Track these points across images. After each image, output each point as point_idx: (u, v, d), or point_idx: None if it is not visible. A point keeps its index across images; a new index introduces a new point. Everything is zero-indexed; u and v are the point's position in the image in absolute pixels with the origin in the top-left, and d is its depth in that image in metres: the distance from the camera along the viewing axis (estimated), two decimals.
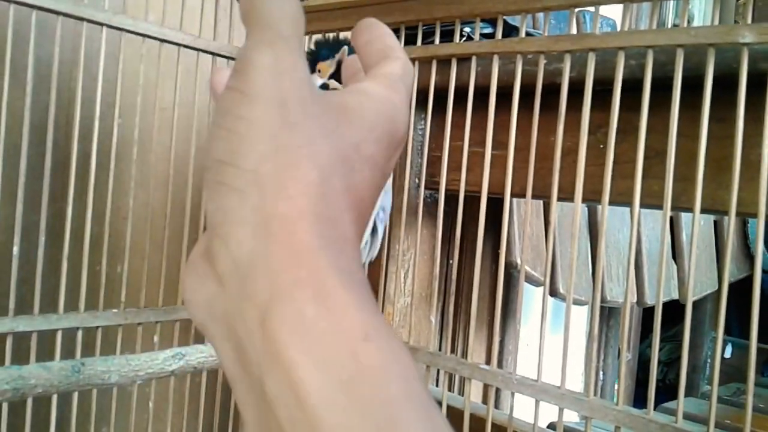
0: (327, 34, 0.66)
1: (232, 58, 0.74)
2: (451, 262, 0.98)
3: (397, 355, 0.22)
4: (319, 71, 0.61)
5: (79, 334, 0.64)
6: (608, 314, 1.57)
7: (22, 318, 0.60)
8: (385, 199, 0.65)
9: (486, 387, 0.63)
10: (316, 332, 0.21)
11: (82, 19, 0.62)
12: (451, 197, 0.65)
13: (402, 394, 0.21)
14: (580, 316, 1.47)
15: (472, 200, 0.64)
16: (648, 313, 1.65)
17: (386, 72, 0.31)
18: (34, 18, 0.60)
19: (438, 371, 0.68)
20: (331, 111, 0.26)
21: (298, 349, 0.21)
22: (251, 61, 0.25)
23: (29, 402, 0.62)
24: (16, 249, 0.60)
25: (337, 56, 0.62)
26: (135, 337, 0.68)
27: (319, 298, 0.22)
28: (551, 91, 0.57)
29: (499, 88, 0.60)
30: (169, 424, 0.74)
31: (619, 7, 0.55)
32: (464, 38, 0.65)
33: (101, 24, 0.63)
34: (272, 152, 0.24)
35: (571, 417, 0.58)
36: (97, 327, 0.65)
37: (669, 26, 1.41)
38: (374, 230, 0.65)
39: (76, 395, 0.65)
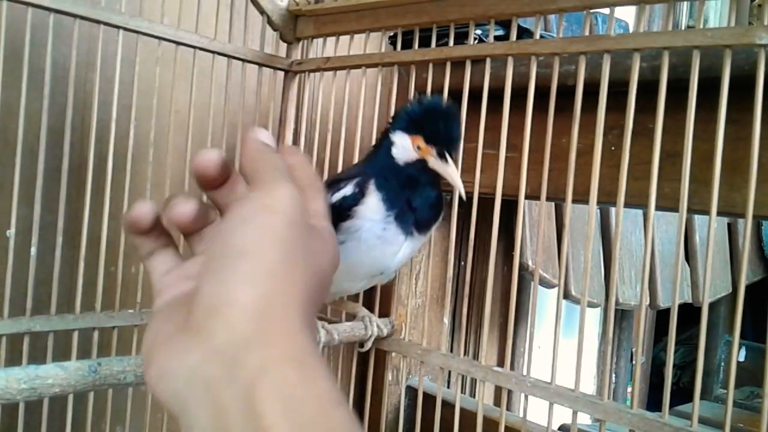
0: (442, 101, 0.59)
1: (247, 61, 0.75)
2: (463, 263, 0.98)
3: (356, 421, 0.27)
4: (419, 148, 0.56)
5: (96, 334, 0.65)
6: (620, 317, 1.56)
7: (40, 318, 0.61)
8: None
9: (498, 389, 0.63)
10: (298, 396, 0.26)
11: (98, 22, 0.63)
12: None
13: None
14: (591, 319, 1.47)
15: (484, 202, 0.64)
16: (661, 316, 1.64)
17: (318, 210, 0.38)
18: (51, 21, 0.60)
19: (450, 373, 0.68)
20: (317, 242, 0.34)
21: (281, 411, 0.25)
22: (281, 189, 0.32)
23: (45, 401, 0.62)
24: (33, 250, 0.60)
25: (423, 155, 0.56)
26: None
27: (303, 369, 0.27)
28: (562, 93, 0.57)
29: (511, 90, 0.60)
30: None
31: (633, 8, 0.55)
32: (476, 41, 0.65)
33: (118, 27, 0.64)
34: (283, 257, 0.30)
35: (582, 419, 0.58)
36: (113, 327, 0.66)
37: (682, 28, 1.40)
38: None
39: (91, 395, 0.66)
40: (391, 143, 0.58)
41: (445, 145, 0.55)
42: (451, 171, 0.55)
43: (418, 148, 0.56)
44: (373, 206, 0.56)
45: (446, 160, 0.55)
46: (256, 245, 0.30)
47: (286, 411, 0.25)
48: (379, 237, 0.56)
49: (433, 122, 0.55)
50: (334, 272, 0.37)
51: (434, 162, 0.55)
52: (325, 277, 0.34)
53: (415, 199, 0.56)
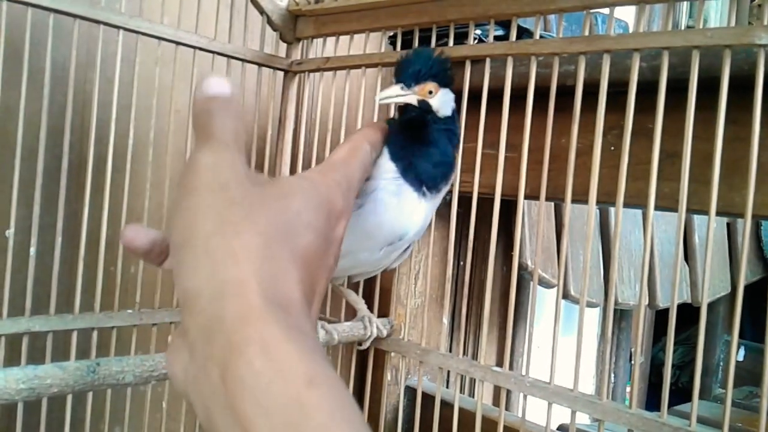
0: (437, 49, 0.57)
1: (246, 61, 0.75)
2: (462, 263, 0.98)
3: (342, 400, 0.24)
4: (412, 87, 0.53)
5: (95, 334, 0.65)
6: (619, 316, 1.56)
7: (39, 318, 0.61)
8: None
9: (497, 389, 0.63)
10: (263, 383, 0.24)
11: (98, 22, 0.63)
12: (463, 199, 0.65)
13: None
14: (590, 319, 1.47)
15: (484, 202, 0.64)
16: (660, 315, 1.64)
17: (328, 158, 0.39)
18: (51, 21, 0.60)
19: (449, 373, 0.68)
20: (271, 189, 0.31)
21: (250, 401, 0.24)
22: (196, 162, 0.30)
23: (44, 402, 0.62)
24: (33, 250, 0.60)
25: (411, 93, 0.54)
26: (149, 338, 0.69)
27: (265, 352, 0.24)
28: (561, 93, 0.57)
29: (510, 90, 0.60)
30: (183, 423, 0.75)
31: (632, 8, 0.55)
32: (476, 41, 0.65)
33: (118, 27, 0.64)
34: (218, 227, 0.28)
35: (581, 419, 0.58)
36: (112, 327, 0.66)
37: (682, 28, 1.40)
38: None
39: (90, 395, 0.66)
40: None
41: (404, 78, 0.54)
42: (389, 91, 0.54)
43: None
44: (384, 164, 0.56)
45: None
46: (189, 230, 0.28)
47: (257, 401, 0.24)
48: (394, 194, 0.55)
49: (399, 67, 0.54)
50: (331, 225, 0.34)
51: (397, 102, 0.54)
52: (302, 230, 0.31)
53: (417, 155, 0.56)
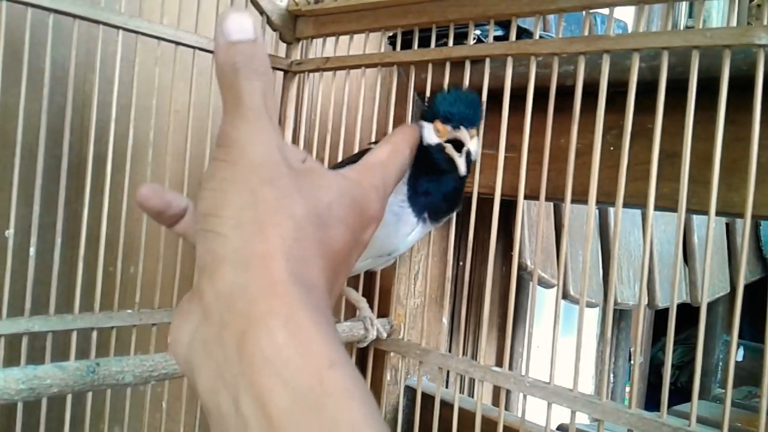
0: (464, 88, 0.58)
1: None
2: (462, 263, 0.98)
3: (358, 382, 0.25)
4: (438, 131, 0.53)
5: (94, 334, 0.65)
6: (619, 316, 1.56)
7: (38, 318, 0.61)
8: None
9: (497, 389, 0.63)
10: (284, 357, 0.24)
11: (98, 22, 0.63)
12: (463, 199, 0.65)
13: (362, 417, 0.24)
14: (590, 319, 1.47)
15: (483, 202, 0.64)
16: (659, 315, 1.64)
17: (367, 158, 0.39)
18: (51, 21, 0.60)
19: (448, 373, 0.68)
20: (305, 174, 0.31)
21: (270, 372, 0.24)
22: (228, 135, 0.29)
23: (44, 401, 0.62)
24: (32, 250, 0.60)
25: (467, 139, 0.53)
26: (149, 338, 0.69)
27: (289, 327, 0.25)
28: (561, 93, 0.57)
29: (510, 90, 0.60)
30: (182, 423, 0.75)
31: (632, 9, 0.55)
32: (475, 41, 0.65)
33: (117, 27, 0.64)
34: (252, 203, 0.28)
35: (580, 419, 0.58)
36: (112, 327, 0.66)
37: (681, 28, 1.40)
38: None
39: (90, 395, 0.66)
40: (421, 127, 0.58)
41: (465, 123, 0.54)
42: (464, 145, 0.53)
43: (437, 130, 0.55)
44: (399, 184, 0.56)
45: (460, 131, 0.53)
46: (220, 200, 0.28)
47: (277, 372, 0.24)
48: (395, 214, 0.56)
49: (448, 103, 0.55)
50: (362, 226, 0.34)
51: (449, 149, 0.54)
52: (333, 223, 0.31)
53: (431, 186, 0.56)
